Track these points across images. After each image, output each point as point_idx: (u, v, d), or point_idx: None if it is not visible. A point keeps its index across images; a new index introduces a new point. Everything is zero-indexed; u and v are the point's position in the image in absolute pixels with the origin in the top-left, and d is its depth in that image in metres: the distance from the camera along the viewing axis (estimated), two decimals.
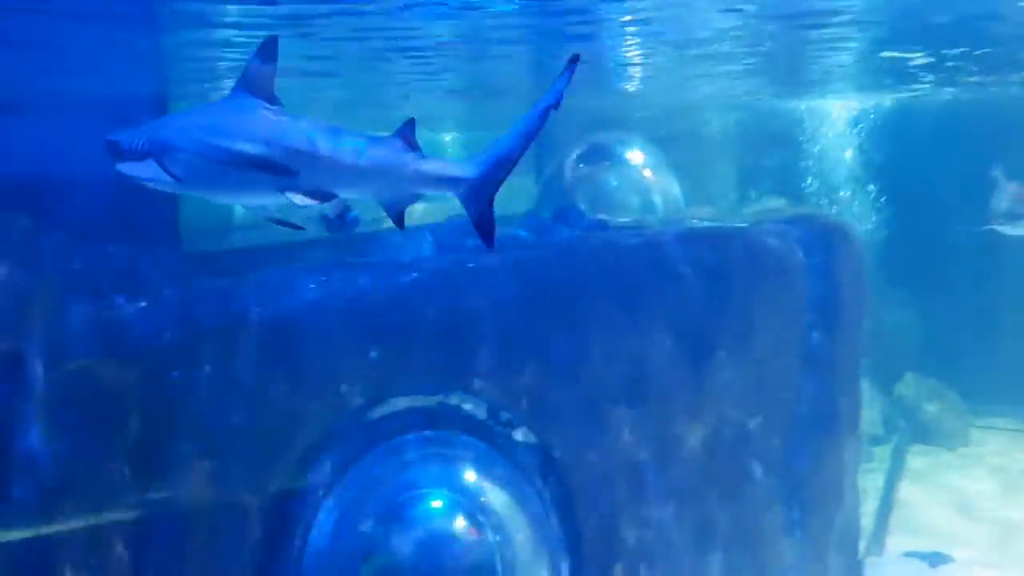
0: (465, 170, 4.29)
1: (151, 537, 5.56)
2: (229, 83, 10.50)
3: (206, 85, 11.00)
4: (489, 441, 6.38)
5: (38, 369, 5.05)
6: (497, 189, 4.36)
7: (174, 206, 6.94)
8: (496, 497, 6.17)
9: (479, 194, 4.30)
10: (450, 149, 21.40)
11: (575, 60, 4.25)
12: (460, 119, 18.57)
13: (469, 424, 6.41)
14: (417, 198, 4.40)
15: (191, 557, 5.63)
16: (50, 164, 5.72)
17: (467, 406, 6.41)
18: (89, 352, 5.40)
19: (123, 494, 5.57)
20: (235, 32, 7.31)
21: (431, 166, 4.29)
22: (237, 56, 8.44)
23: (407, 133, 4.29)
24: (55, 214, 5.68)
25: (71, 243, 5.68)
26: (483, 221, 4.34)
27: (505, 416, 6.44)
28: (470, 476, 6.19)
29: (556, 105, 4.25)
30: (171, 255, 6.63)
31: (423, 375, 6.33)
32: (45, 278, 5.28)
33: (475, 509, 6.06)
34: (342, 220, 6.25)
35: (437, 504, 6.02)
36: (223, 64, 9.19)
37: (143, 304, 5.82)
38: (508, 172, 4.40)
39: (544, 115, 4.32)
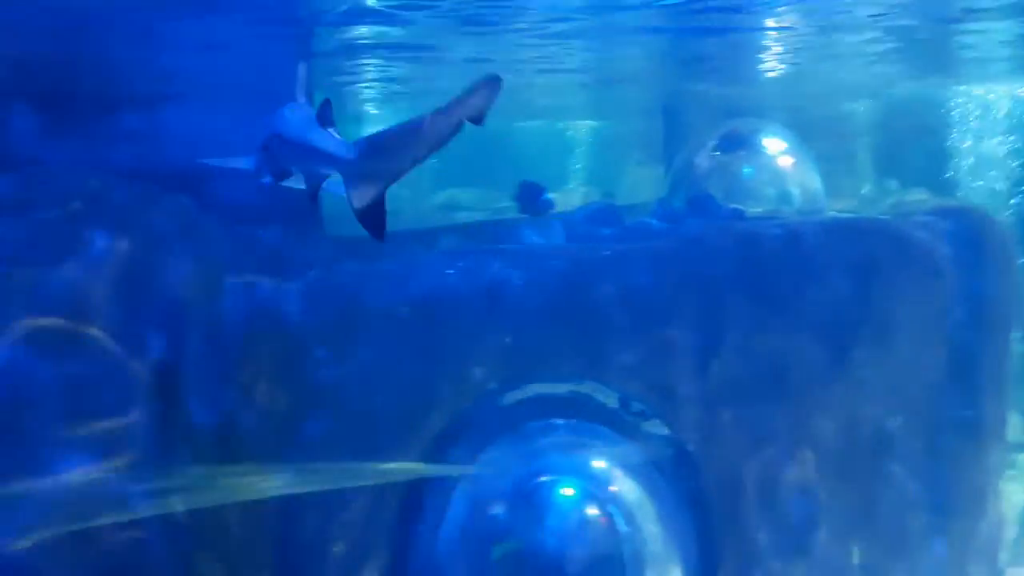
0: (348, 150, 3.94)
1: (294, 513, 5.79)
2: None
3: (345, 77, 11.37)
4: (620, 431, 6.36)
5: (198, 344, 5.33)
6: (385, 179, 3.83)
7: (318, 194, 7.16)
8: (627, 488, 6.15)
9: (360, 178, 3.86)
10: (583, 138, 21.33)
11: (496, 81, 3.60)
12: (589, 107, 18.52)
13: (601, 413, 6.41)
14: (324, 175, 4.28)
15: (331, 535, 5.83)
16: (208, 152, 6.02)
17: (599, 395, 6.41)
18: (242, 330, 5.66)
19: (269, 469, 5.81)
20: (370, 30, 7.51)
21: (320, 143, 4.09)
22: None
23: (323, 112, 4.15)
24: (212, 199, 5.97)
25: (227, 226, 5.96)
26: (366, 209, 3.82)
27: (637, 407, 6.41)
28: (601, 465, 6.19)
29: (477, 121, 3.66)
30: (316, 239, 6.87)
31: (556, 363, 6.36)
32: (205, 259, 5.56)
33: (605, 498, 6.06)
34: (537, 201, 6.31)
35: (568, 492, 6.05)
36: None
37: (291, 285, 6.05)
38: (399, 166, 3.80)
39: (456, 128, 3.71)
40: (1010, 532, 9.41)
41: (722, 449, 6.45)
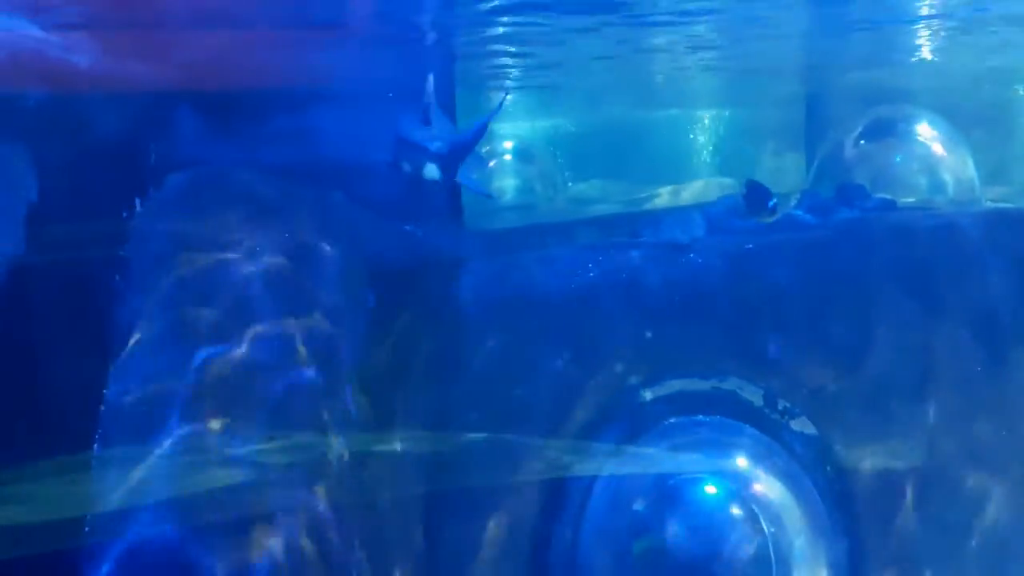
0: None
1: (435, 507, 5.92)
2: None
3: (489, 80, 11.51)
4: (765, 430, 6.20)
5: (350, 339, 5.51)
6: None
7: (458, 188, 7.31)
8: (771, 488, 5.99)
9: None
10: (719, 127, 20.96)
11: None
12: (724, 95, 18.15)
13: (745, 411, 6.26)
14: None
15: (472, 529, 5.92)
16: (357, 149, 6.22)
17: (743, 392, 6.28)
18: (390, 325, 5.83)
19: (412, 462, 5.97)
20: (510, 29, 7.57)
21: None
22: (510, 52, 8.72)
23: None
24: (360, 194, 6.17)
25: (376, 221, 6.14)
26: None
27: (783, 405, 6.24)
28: (744, 464, 6.05)
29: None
30: (457, 233, 7.00)
31: (698, 358, 6.26)
32: (356, 253, 5.75)
33: (749, 498, 5.93)
34: (765, 206, 6.23)
35: (711, 489, 5.95)
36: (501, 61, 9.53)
37: (432, 280, 6.18)
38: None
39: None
40: None
41: (871, 449, 6.21)
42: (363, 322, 5.72)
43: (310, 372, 5.24)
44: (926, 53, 10.99)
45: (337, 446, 5.18)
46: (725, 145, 19.95)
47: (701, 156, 19.83)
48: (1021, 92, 13.34)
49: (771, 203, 6.16)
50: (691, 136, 20.45)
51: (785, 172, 13.11)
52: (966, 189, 8.79)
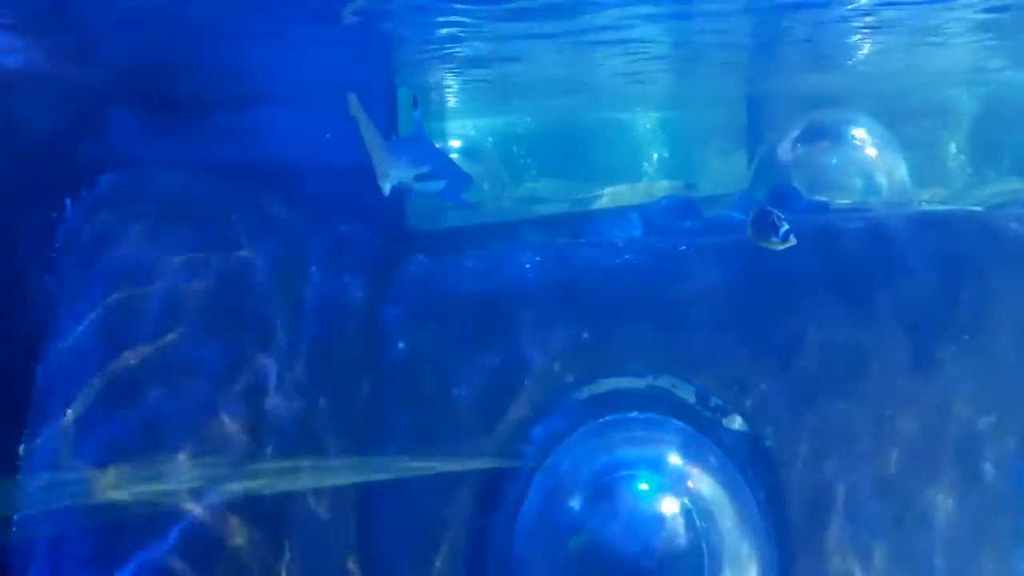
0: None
1: (371, 503, 5.95)
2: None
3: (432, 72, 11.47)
4: (698, 426, 6.33)
5: (283, 337, 5.52)
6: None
7: (400, 190, 7.33)
8: (704, 483, 6.12)
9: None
10: (663, 128, 21.19)
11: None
12: (669, 97, 18.34)
13: (678, 408, 6.38)
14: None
15: (408, 524, 5.98)
16: (293, 150, 6.22)
17: (677, 390, 6.39)
18: (323, 324, 5.84)
19: (346, 460, 5.99)
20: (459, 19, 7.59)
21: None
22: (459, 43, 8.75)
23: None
24: (297, 195, 6.17)
25: (312, 222, 6.15)
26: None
27: (715, 402, 6.37)
28: (677, 460, 6.17)
29: None
30: (398, 234, 7.02)
31: (633, 357, 6.36)
32: (292, 253, 5.75)
33: (682, 494, 6.04)
34: (775, 233, 6.02)
35: (643, 486, 6.05)
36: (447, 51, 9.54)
37: (371, 279, 6.20)
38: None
39: None
40: None
41: (800, 445, 6.36)
42: (296, 321, 5.72)
43: (239, 371, 5.24)
44: (862, 56, 11.25)
45: (266, 443, 5.18)
46: (671, 146, 20.20)
47: (648, 157, 20.06)
48: (955, 96, 13.70)
49: (783, 231, 5.88)
50: (639, 137, 20.66)
51: (730, 174, 13.33)
52: (899, 191, 9.02)
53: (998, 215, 7.33)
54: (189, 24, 6.03)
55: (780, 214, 5.95)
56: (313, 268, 5.87)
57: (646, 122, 20.90)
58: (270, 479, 5.10)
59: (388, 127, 7.14)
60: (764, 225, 5.93)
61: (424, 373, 6.12)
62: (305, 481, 5.41)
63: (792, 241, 5.89)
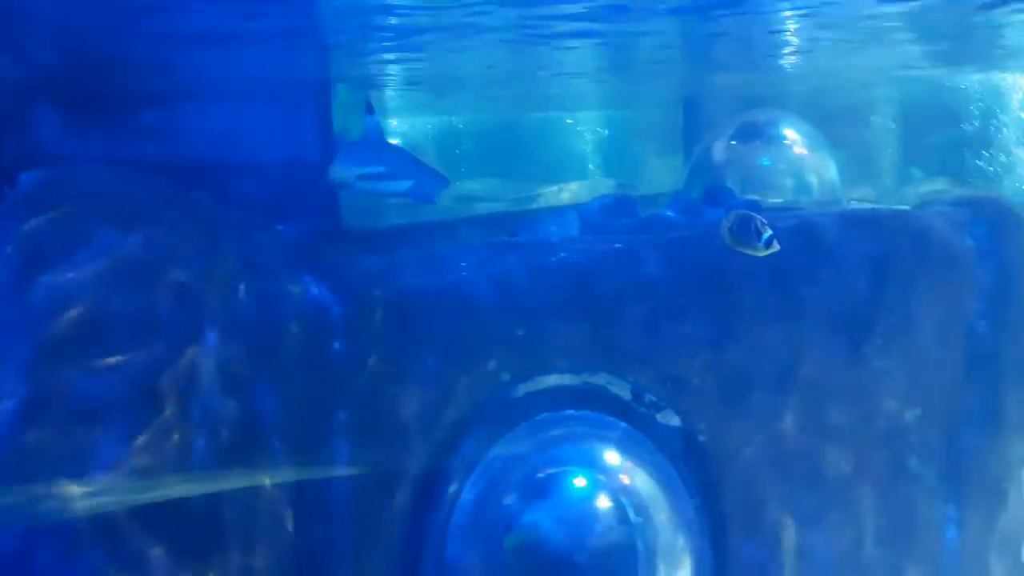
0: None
1: (306, 503, 5.89)
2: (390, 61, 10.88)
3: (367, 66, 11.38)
4: (633, 423, 6.39)
5: (214, 338, 5.43)
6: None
7: (335, 188, 7.28)
8: (639, 479, 6.19)
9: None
10: (602, 128, 21.36)
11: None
12: (607, 97, 18.50)
13: (613, 405, 6.44)
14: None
15: (342, 525, 5.94)
16: (223, 147, 6.12)
17: (612, 387, 6.45)
18: (257, 325, 5.76)
19: (283, 460, 5.93)
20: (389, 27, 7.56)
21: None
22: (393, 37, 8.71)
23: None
24: (230, 194, 6.08)
25: (245, 221, 6.06)
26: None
27: (649, 398, 6.44)
28: (613, 456, 6.23)
29: None
30: (333, 233, 6.97)
31: (569, 354, 6.40)
32: (222, 252, 5.66)
33: (617, 489, 6.10)
34: (758, 240, 5.75)
35: (580, 482, 6.09)
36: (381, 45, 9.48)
37: (307, 279, 6.14)
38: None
39: None
40: None
41: (733, 439, 6.47)
42: (227, 322, 5.63)
43: (172, 373, 5.15)
44: (793, 57, 11.49)
45: (200, 445, 5.10)
46: (610, 146, 20.37)
47: (588, 156, 20.21)
48: (882, 96, 14.05)
49: (765, 237, 5.61)
50: (579, 137, 20.81)
51: (667, 173, 13.50)
52: (829, 190, 9.24)
53: (924, 214, 7.53)
54: (114, 19, 5.90)
55: (763, 219, 5.72)
56: (245, 267, 5.79)
57: (587, 122, 21.05)
58: (202, 479, 5.02)
59: (323, 124, 7.07)
60: (745, 231, 5.70)
61: (361, 372, 6.08)
62: (240, 481, 5.33)
63: (776, 247, 5.67)
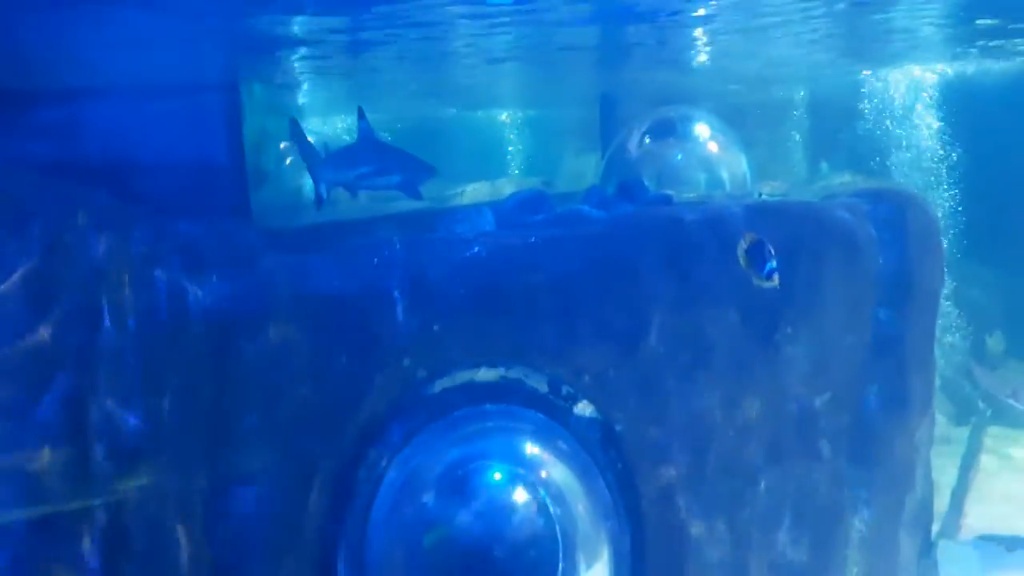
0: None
1: (219, 506, 5.77)
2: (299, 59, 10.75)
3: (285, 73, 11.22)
4: (550, 415, 6.42)
5: (114, 339, 5.27)
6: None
7: (244, 185, 7.16)
8: (557, 470, 6.21)
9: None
10: (523, 126, 21.45)
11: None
12: (527, 96, 18.59)
13: (530, 398, 6.46)
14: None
15: (258, 525, 5.82)
16: (125, 145, 5.96)
17: (529, 380, 6.46)
18: (162, 324, 5.61)
19: (194, 462, 5.79)
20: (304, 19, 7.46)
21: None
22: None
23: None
24: (134, 192, 5.91)
25: (147, 218, 5.89)
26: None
27: (566, 390, 6.48)
28: (531, 449, 6.24)
29: None
30: (241, 231, 6.82)
31: (485, 349, 6.39)
32: (122, 251, 5.49)
33: (536, 482, 6.11)
34: (768, 270, 5.89)
35: (498, 476, 6.09)
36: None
37: (213, 278, 6.00)
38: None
39: None
40: (941, 505, 9.68)
41: (649, 429, 6.54)
42: (128, 323, 5.47)
43: (68, 379, 4.97)
44: (704, 57, 11.72)
45: (99, 452, 4.95)
46: (532, 144, 20.47)
47: (509, 154, 20.27)
48: (792, 94, 14.43)
49: (769, 267, 5.73)
50: (500, 135, 20.86)
51: (586, 169, 13.62)
52: (740, 184, 9.43)
53: (829, 205, 7.75)
54: (6, 13, 5.69)
55: (771, 248, 5.97)
56: (148, 268, 5.63)
57: (507, 120, 21.11)
58: (102, 487, 4.86)
59: (231, 122, 6.93)
60: (754, 255, 6.05)
61: (272, 373, 5.97)
62: (145, 488, 5.19)
63: (775, 281, 5.95)
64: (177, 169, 6.26)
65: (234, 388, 5.82)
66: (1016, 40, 12.37)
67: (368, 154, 7.66)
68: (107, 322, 5.39)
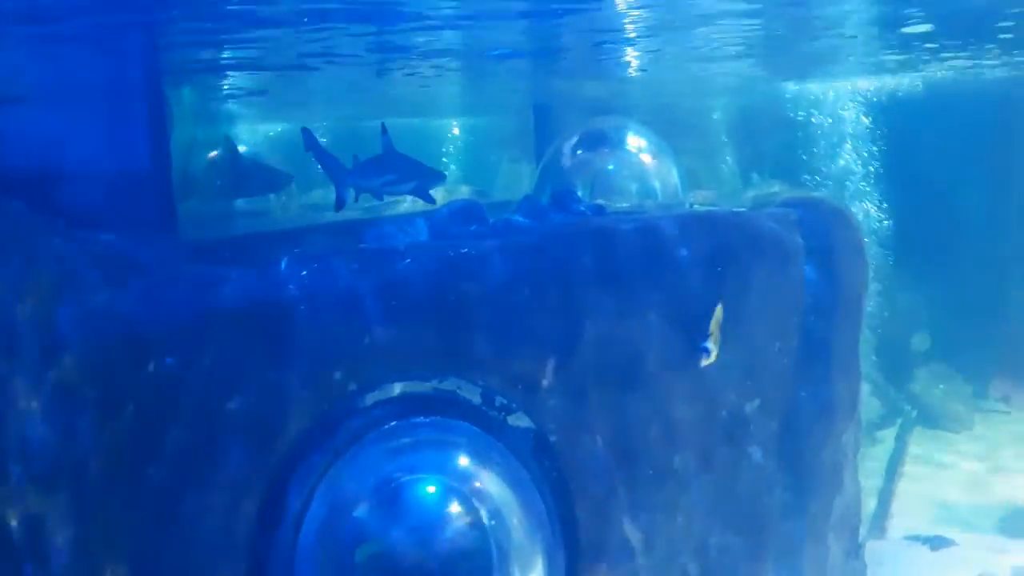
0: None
1: (145, 524, 5.61)
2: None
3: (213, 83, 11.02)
4: (484, 427, 6.39)
5: (33, 355, 5.10)
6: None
7: (170, 196, 7.00)
8: (491, 482, 6.19)
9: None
10: (458, 135, 21.42)
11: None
12: (463, 105, 18.59)
13: (464, 410, 6.42)
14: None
15: (186, 541, 5.68)
16: (46, 155, 5.77)
17: (462, 391, 6.43)
18: (81, 340, 5.44)
19: (117, 480, 5.63)
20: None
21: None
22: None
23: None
24: (54, 203, 5.73)
25: (67, 231, 5.72)
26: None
27: (500, 401, 6.46)
28: (464, 461, 6.21)
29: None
30: (167, 244, 6.68)
31: (417, 361, 6.34)
32: (39, 266, 5.32)
33: (470, 494, 6.08)
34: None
35: (431, 489, 6.05)
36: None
37: (136, 292, 5.85)
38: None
39: None
40: (869, 507, 9.92)
41: (583, 439, 6.56)
42: (44, 338, 5.29)
43: None
44: (634, 70, 11.87)
45: (15, 470, 4.77)
46: (469, 153, 20.47)
47: (445, 164, 20.23)
48: (723, 105, 14.69)
49: (704, 343, 6.38)
50: (436, 144, 20.80)
51: (522, 179, 13.66)
52: (671, 194, 9.56)
53: (758, 215, 7.88)
54: None
55: (719, 328, 6.37)
56: (66, 281, 5.45)
57: (444, 129, 21.06)
58: (16, 507, 4.68)
59: (156, 131, 6.76)
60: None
61: (197, 388, 5.83)
62: (62, 506, 5.01)
63: (706, 359, 6.41)
64: (98, 179, 6.09)
65: (159, 403, 5.66)
66: (939, 54, 12.80)
67: (391, 163, 8.55)
68: (21, 337, 5.20)
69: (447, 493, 6.07)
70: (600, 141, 9.67)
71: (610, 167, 9.47)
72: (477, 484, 6.18)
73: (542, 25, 9.06)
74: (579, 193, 8.94)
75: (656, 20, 9.13)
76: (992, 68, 14.25)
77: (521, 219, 7.74)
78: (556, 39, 9.97)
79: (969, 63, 13.62)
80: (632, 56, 11.06)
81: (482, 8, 8.17)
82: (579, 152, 9.63)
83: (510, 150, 16.21)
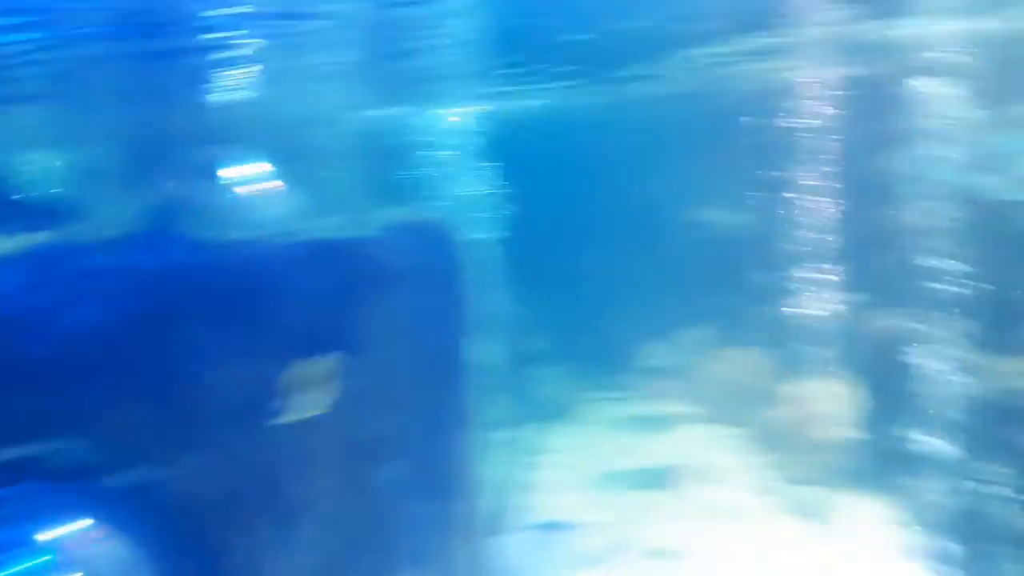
0: None
1: None
2: None
3: None
4: (83, 487, 5.81)
5: None
6: None
7: None
8: (94, 547, 5.65)
9: None
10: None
11: None
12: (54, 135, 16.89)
13: (59, 474, 5.79)
14: None
15: None
16: None
17: (57, 456, 5.79)
18: None
19: None
20: None
21: None
22: None
23: None
24: None
25: None
26: None
27: (99, 458, 5.91)
28: (60, 531, 5.60)
29: None
30: None
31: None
32: None
33: (70, 563, 5.51)
34: None
35: (23, 566, 5.39)
36: None
37: None
38: None
39: None
40: (488, 505, 10.35)
41: (201, 479, 6.22)
42: None
43: None
44: (243, 93, 11.58)
45: None
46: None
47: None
48: (334, 133, 14.79)
49: None
50: (32, 180, 18.69)
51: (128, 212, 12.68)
52: (290, 222, 9.38)
53: (376, 239, 8.04)
54: None
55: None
56: None
57: (38, 164, 18.98)
58: None
59: None
60: None
61: None
62: None
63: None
64: None
65: None
66: (544, 81, 14.01)
67: None
68: None
69: (42, 569, 5.45)
70: (209, 172, 9.29)
71: (221, 198, 9.14)
72: (80, 550, 5.62)
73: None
74: (188, 226, 8.47)
75: (252, 46, 8.97)
76: (590, 96, 15.91)
77: (127, 256, 7.13)
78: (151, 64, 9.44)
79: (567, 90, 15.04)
80: (237, 79, 10.77)
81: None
82: (187, 182, 9.17)
83: (114, 181, 14.99)
